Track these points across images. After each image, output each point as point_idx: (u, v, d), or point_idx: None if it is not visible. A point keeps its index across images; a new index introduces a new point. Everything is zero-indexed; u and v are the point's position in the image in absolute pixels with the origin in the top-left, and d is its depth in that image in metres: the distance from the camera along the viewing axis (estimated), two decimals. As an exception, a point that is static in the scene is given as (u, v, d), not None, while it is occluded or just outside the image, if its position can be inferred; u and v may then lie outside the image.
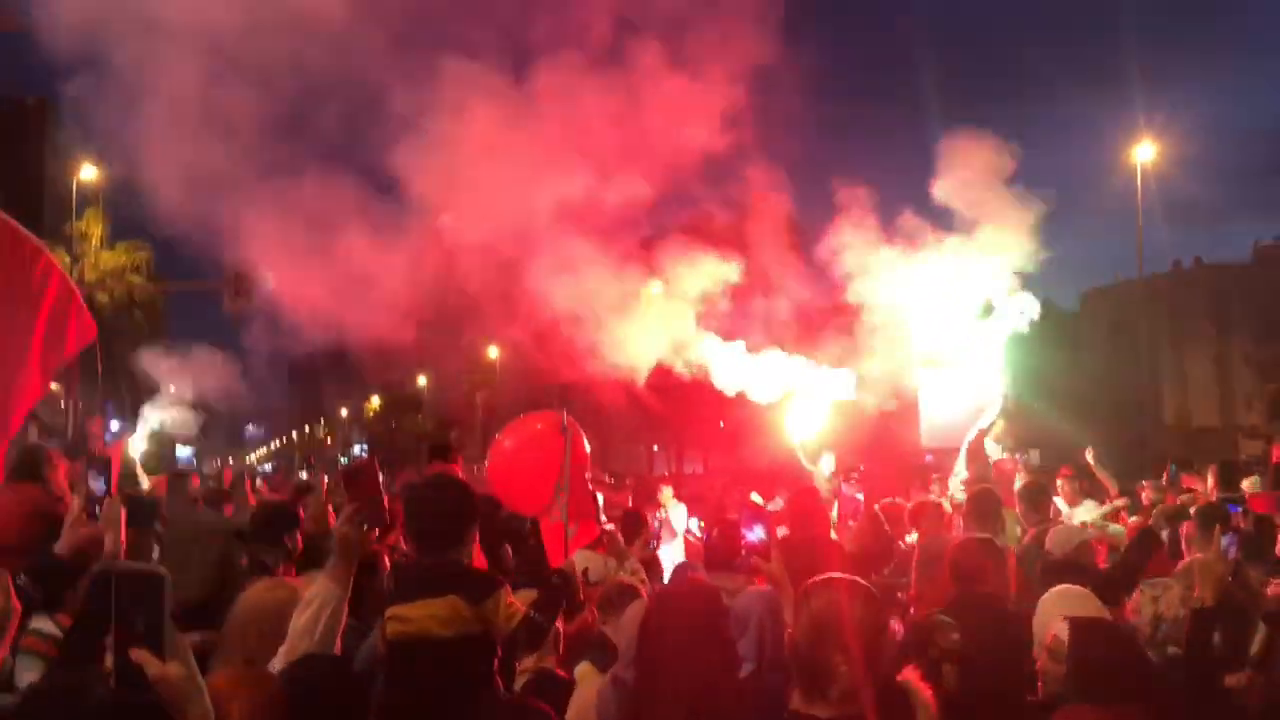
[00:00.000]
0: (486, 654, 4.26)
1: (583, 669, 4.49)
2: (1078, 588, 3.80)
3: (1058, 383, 66.29)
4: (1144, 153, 30.53)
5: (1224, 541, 5.78)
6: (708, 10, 9.89)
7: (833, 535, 7.71)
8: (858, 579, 3.05)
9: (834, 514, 8.82)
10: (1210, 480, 9.68)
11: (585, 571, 5.92)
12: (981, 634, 4.27)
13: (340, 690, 3.11)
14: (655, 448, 58.17)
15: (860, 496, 9.68)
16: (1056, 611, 3.52)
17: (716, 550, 5.36)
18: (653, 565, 7.85)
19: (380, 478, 3.83)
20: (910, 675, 3.07)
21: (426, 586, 4.25)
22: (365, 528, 3.61)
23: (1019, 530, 8.03)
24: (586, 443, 7.09)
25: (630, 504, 11.63)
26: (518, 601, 4.34)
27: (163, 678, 1.95)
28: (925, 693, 3.04)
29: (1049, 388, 63.74)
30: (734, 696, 3.28)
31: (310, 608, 3.44)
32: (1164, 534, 7.61)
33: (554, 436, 6.75)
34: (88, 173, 36.32)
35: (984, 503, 6.97)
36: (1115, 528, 9.10)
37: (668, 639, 3.28)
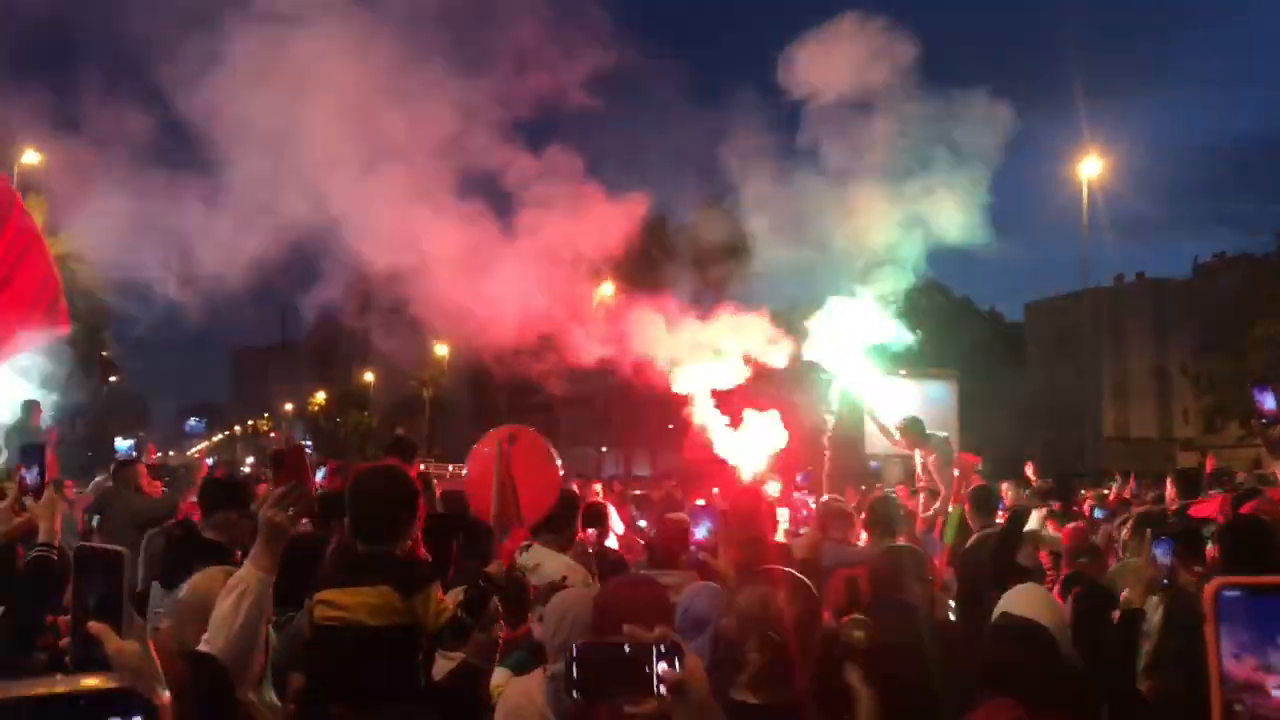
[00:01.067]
0: (412, 647, 4.24)
1: (498, 676, 4.45)
2: (1038, 587, 3.88)
3: (1003, 392, 67.49)
4: (1089, 168, 31.08)
5: (1160, 549, 5.92)
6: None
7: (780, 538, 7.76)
8: (793, 572, 3.09)
9: (785, 519, 8.90)
10: (1170, 490, 9.91)
11: (564, 580, 5.86)
12: (893, 639, 4.36)
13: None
14: (604, 449, 58.16)
15: (811, 501, 9.79)
16: (1010, 607, 3.58)
17: (661, 548, 5.37)
18: (611, 561, 7.82)
19: (309, 462, 3.73)
20: (853, 674, 3.12)
21: (360, 573, 4.23)
22: (291, 512, 3.45)
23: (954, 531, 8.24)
24: (555, 454, 6.97)
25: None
26: (448, 600, 4.32)
27: (120, 653, 1.91)
28: (869, 691, 3.09)
29: (995, 397, 64.85)
30: None
31: (230, 595, 3.31)
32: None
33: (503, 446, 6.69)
34: (29, 157, 35.58)
35: (880, 510, 7.12)
36: (1049, 534, 9.28)
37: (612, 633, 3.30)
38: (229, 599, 3.29)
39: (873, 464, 15.09)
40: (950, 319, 75.83)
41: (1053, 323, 67.47)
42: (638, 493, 18.95)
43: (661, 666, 1.91)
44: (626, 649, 1.93)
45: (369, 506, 4.43)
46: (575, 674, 1.95)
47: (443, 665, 4.61)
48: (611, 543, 10.75)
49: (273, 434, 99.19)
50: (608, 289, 18.75)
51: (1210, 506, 8.30)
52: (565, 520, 6.64)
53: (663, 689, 1.90)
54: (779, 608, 2.87)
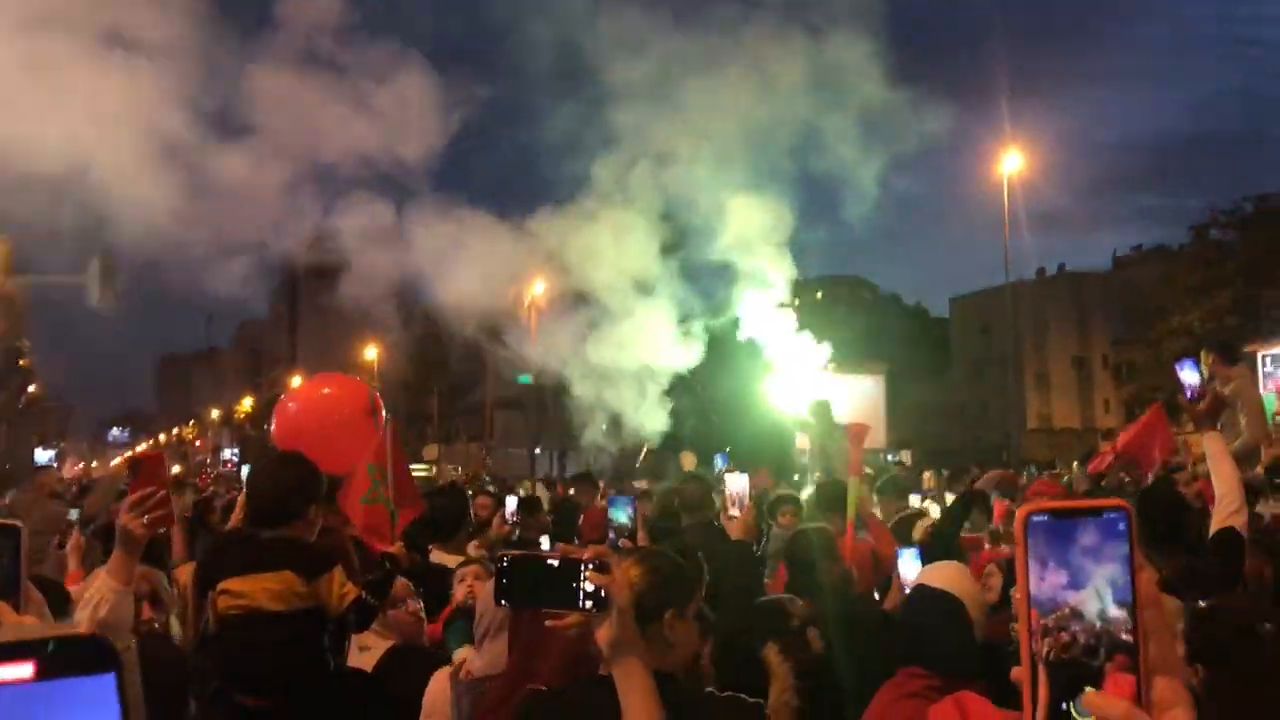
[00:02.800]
0: (318, 630, 4.21)
1: (460, 653, 4.48)
2: (954, 563, 4.02)
3: (931, 386, 68.59)
4: (1010, 164, 31.71)
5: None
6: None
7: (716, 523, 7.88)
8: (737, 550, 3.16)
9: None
10: (1078, 476, 10.24)
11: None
12: (820, 604, 4.52)
13: None
14: (537, 450, 57.93)
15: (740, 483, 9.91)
16: (926, 580, 3.73)
17: (581, 534, 5.42)
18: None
19: (168, 469, 3.59)
20: (769, 650, 3.20)
21: (260, 560, 4.19)
22: (147, 519, 3.23)
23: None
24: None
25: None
26: (350, 583, 4.30)
27: (17, 629, 1.84)
28: (782, 666, 3.17)
29: (923, 391, 65.85)
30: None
31: (87, 607, 3.16)
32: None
33: (362, 416, 6.41)
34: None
35: (827, 493, 7.31)
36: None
37: (534, 622, 3.33)
38: (85, 611, 3.15)
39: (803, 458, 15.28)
40: (878, 314, 77.09)
41: (976, 316, 68.58)
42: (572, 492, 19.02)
43: (588, 584, 1.95)
44: (556, 563, 1.98)
45: (268, 493, 4.42)
46: (504, 583, 2.01)
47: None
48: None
49: (198, 442, 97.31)
50: (539, 288, 18.80)
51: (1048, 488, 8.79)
52: (453, 526, 6.75)
53: (588, 604, 1.94)
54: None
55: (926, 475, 11.21)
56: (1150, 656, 1.04)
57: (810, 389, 12.13)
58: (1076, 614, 1.04)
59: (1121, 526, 1.05)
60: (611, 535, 4.52)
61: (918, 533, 7.15)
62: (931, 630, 3.28)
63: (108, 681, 0.76)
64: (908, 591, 3.83)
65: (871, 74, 11.51)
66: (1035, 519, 1.05)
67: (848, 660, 4.16)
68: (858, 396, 12.23)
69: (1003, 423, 51.21)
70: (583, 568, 1.95)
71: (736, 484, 5.17)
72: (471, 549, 6.91)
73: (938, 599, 3.31)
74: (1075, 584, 1.04)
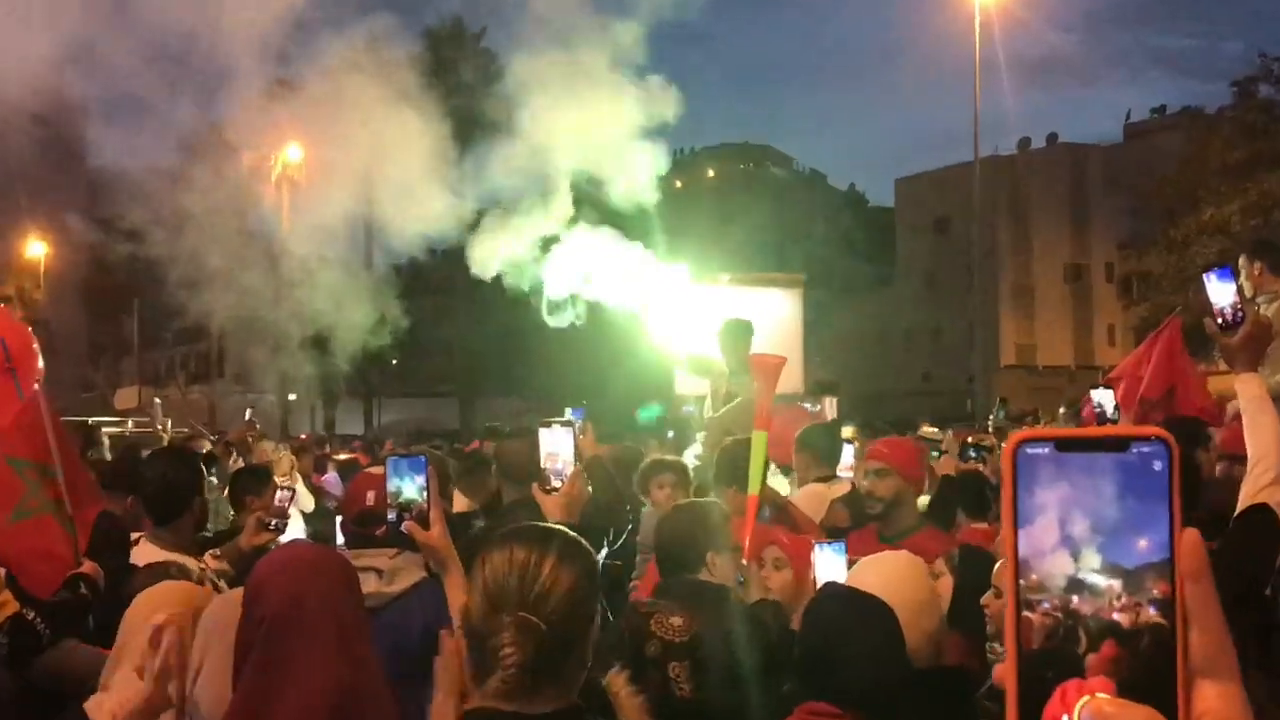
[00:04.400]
0: None
1: None
2: (900, 554, 4.07)
3: (865, 303, 69.85)
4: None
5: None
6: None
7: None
8: (560, 530, 3.14)
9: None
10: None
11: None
12: (702, 620, 4.55)
13: None
14: (291, 396, 57.29)
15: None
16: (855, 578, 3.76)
17: (358, 518, 5.32)
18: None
19: None
20: (616, 680, 3.23)
21: None
22: None
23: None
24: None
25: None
26: (10, 596, 4.29)
27: None
28: (632, 700, 3.20)
29: (854, 310, 67.11)
30: (377, 702, 3.34)
31: None
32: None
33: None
34: None
35: (729, 455, 7.36)
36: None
37: (292, 634, 3.28)
38: None
39: (685, 408, 15.42)
40: (793, 200, 77.77)
41: (932, 206, 69.84)
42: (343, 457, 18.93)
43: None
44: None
45: None
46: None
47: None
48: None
49: None
50: (294, 154, 18.42)
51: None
52: (179, 506, 6.62)
53: None
54: (549, 578, 2.91)
55: (850, 429, 11.37)
56: (1194, 650, 1.04)
57: (694, 309, 12.16)
58: (1068, 584, 1.03)
59: (1158, 465, 1.05)
60: (392, 517, 4.39)
61: (829, 512, 7.27)
62: (842, 650, 3.31)
63: None
64: (815, 596, 3.87)
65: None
66: (1030, 450, 1.06)
67: (731, 701, 4.22)
68: (763, 318, 12.26)
69: (966, 357, 52.54)
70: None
71: (555, 441, 4.99)
72: (209, 559, 6.74)
73: (855, 606, 3.34)
74: (1083, 547, 1.04)
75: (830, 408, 22.61)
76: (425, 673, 3.23)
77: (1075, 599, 1.03)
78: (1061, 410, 12.61)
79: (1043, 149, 72.57)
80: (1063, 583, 1.03)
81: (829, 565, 4.84)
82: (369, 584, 4.74)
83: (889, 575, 3.45)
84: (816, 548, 5.07)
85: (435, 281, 46.06)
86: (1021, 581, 1.04)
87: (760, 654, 4.46)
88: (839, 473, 8.65)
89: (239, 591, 3.80)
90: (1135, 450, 1.05)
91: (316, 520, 10.73)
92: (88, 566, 4.88)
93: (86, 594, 4.66)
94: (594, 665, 3.24)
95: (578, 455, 4.93)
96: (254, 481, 8.68)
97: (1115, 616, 1.03)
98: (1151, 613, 1.03)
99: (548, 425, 4.80)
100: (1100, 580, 1.03)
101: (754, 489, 6.43)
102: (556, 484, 4.74)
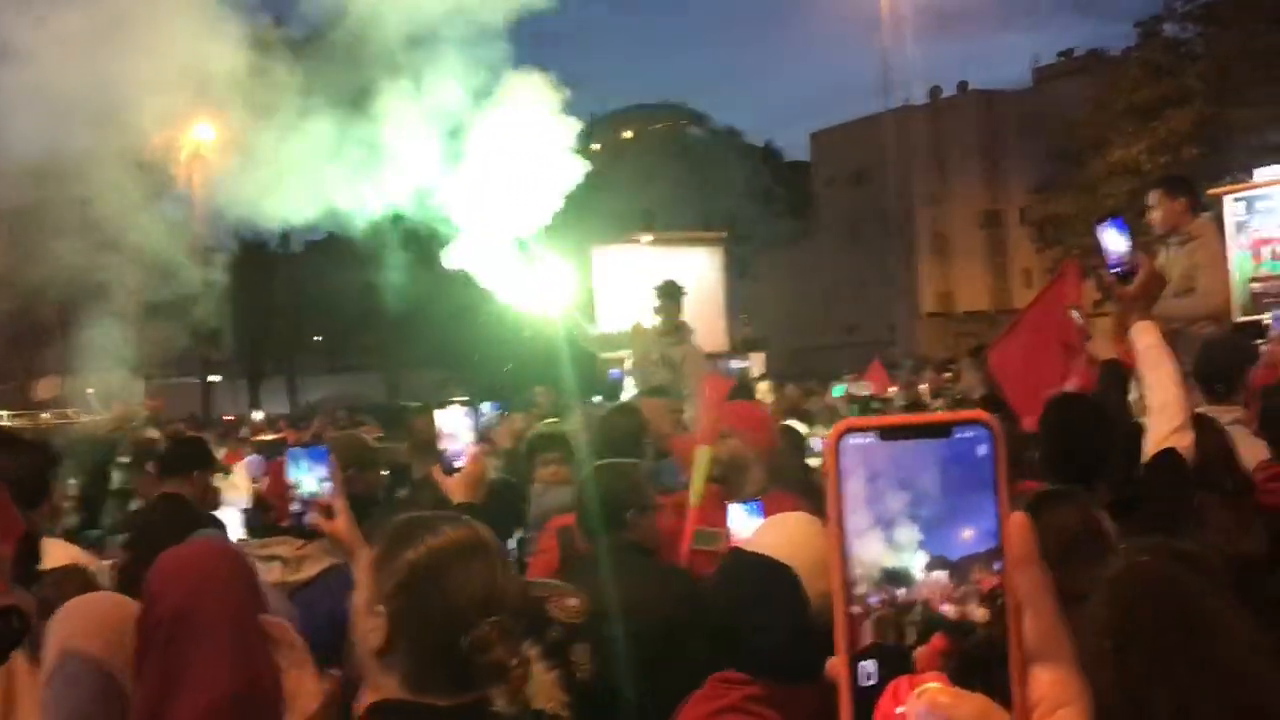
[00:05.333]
0: None
1: None
2: (799, 516, 4.03)
3: (785, 258, 70.07)
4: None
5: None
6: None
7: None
8: (462, 520, 3.11)
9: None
10: (971, 376, 10.45)
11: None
12: (607, 592, 4.55)
13: None
14: (217, 378, 56.93)
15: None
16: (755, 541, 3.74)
17: (266, 509, 5.27)
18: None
19: None
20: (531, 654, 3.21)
21: None
22: None
23: None
24: None
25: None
26: None
27: None
28: (547, 675, 3.18)
29: (775, 266, 67.33)
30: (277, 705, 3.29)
31: None
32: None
33: None
34: None
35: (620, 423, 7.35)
36: None
37: (190, 635, 3.22)
38: None
39: (612, 372, 15.41)
40: (709, 159, 77.78)
41: (847, 159, 70.18)
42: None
43: None
44: None
45: None
46: None
47: None
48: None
49: None
50: (204, 134, 18.12)
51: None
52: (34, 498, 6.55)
53: None
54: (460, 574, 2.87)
55: (762, 386, 11.39)
56: (1027, 636, 1.03)
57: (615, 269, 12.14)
58: (895, 577, 1.02)
59: (982, 450, 1.03)
60: (296, 509, 4.32)
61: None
62: (749, 617, 3.30)
63: None
64: (723, 560, 3.85)
65: None
66: (853, 440, 1.04)
67: (636, 676, 4.22)
68: (686, 277, 12.23)
69: (888, 307, 52.93)
70: None
71: (455, 420, 4.87)
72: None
73: (758, 570, 3.32)
74: (908, 538, 1.03)
75: (757, 364, 22.75)
76: (332, 660, 3.20)
77: (901, 592, 1.02)
78: (967, 359, 12.62)
79: (954, 97, 73.08)
80: (888, 576, 1.02)
81: (743, 524, 4.85)
82: (274, 573, 4.70)
83: (790, 537, 3.41)
84: (731, 509, 5.08)
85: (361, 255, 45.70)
86: (848, 575, 1.03)
87: (670, 624, 4.45)
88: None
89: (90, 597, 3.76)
90: (958, 435, 1.03)
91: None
92: (15, 597, 4.72)
93: (18, 627, 4.49)
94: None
95: (482, 437, 4.88)
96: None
97: (943, 609, 1.02)
98: (979, 602, 1.02)
99: (444, 407, 4.71)
100: (926, 572, 1.02)
101: (695, 501, 6.43)
102: (457, 465, 4.65)
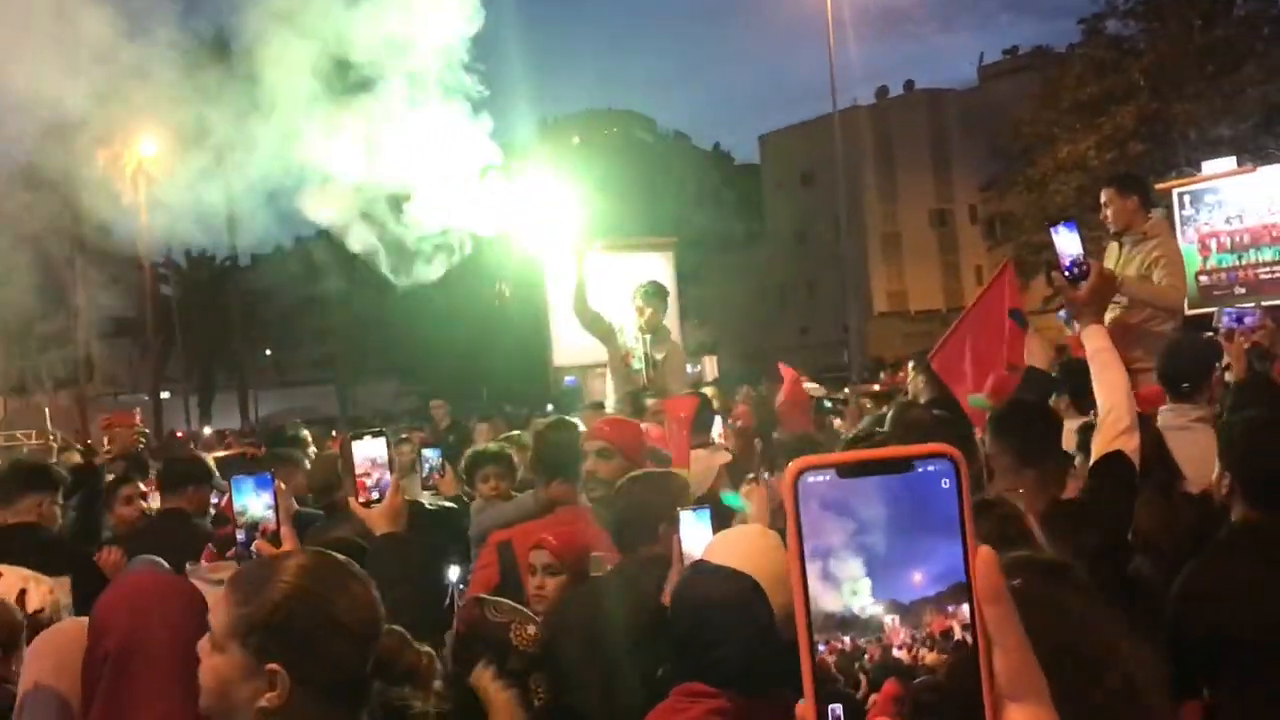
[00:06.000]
0: None
1: None
2: (756, 527, 3.98)
3: (737, 260, 70.25)
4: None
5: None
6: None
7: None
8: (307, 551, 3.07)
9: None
10: (918, 380, 10.39)
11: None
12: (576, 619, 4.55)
13: None
14: (165, 395, 56.48)
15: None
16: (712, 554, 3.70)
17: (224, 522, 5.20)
18: None
19: None
20: (483, 676, 3.17)
21: None
22: None
23: None
24: None
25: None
26: None
27: None
28: (502, 694, 3.15)
29: (726, 268, 67.46)
30: None
31: None
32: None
33: None
34: None
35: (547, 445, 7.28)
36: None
37: (137, 667, 3.18)
38: None
39: (567, 379, 15.38)
40: (659, 163, 77.97)
41: (796, 160, 70.43)
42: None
43: None
44: None
45: None
46: None
47: None
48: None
49: None
50: (148, 150, 18.00)
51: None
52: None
53: None
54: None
55: (708, 391, 11.32)
56: (998, 673, 1.00)
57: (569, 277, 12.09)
58: (849, 622, 0.99)
59: (946, 483, 1.01)
60: (242, 537, 4.21)
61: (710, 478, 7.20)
62: (711, 628, 3.27)
63: None
64: (684, 573, 3.83)
65: None
66: (811, 479, 1.01)
67: (595, 699, 4.19)
68: (638, 283, 12.21)
69: (840, 307, 53.06)
70: None
71: (370, 452, 4.60)
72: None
73: (721, 582, 3.30)
74: (869, 578, 1.00)
75: (710, 367, 22.68)
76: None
77: (862, 638, 0.99)
78: (911, 364, 12.59)
79: (901, 96, 73.54)
80: (846, 620, 0.99)
81: (694, 534, 4.77)
82: (222, 598, 4.64)
83: (748, 549, 3.39)
84: (682, 514, 5.02)
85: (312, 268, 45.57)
86: (812, 619, 1.00)
87: (633, 641, 4.39)
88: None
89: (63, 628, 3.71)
90: (920, 469, 1.01)
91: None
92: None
93: None
94: (460, 666, 3.18)
95: (393, 466, 4.71)
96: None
97: (895, 653, 0.99)
98: (950, 640, 1.00)
99: (359, 437, 4.53)
100: (887, 615, 0.99)
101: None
102: (375, 496, 4.48)
